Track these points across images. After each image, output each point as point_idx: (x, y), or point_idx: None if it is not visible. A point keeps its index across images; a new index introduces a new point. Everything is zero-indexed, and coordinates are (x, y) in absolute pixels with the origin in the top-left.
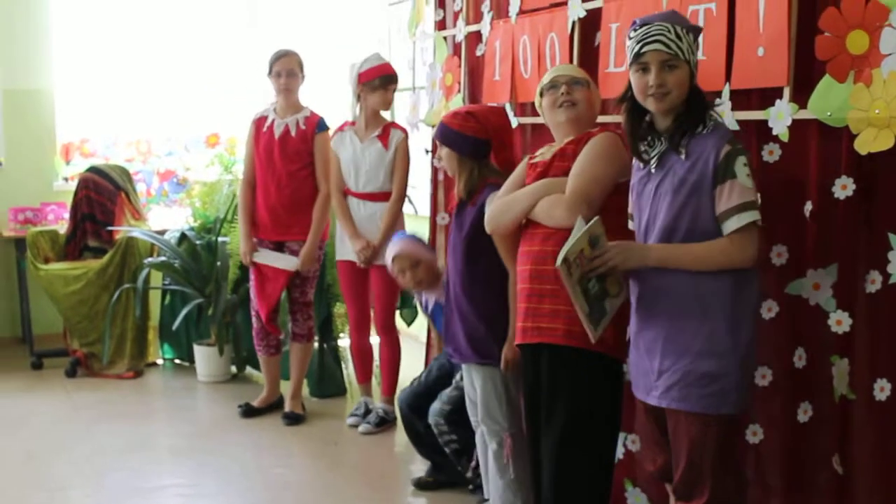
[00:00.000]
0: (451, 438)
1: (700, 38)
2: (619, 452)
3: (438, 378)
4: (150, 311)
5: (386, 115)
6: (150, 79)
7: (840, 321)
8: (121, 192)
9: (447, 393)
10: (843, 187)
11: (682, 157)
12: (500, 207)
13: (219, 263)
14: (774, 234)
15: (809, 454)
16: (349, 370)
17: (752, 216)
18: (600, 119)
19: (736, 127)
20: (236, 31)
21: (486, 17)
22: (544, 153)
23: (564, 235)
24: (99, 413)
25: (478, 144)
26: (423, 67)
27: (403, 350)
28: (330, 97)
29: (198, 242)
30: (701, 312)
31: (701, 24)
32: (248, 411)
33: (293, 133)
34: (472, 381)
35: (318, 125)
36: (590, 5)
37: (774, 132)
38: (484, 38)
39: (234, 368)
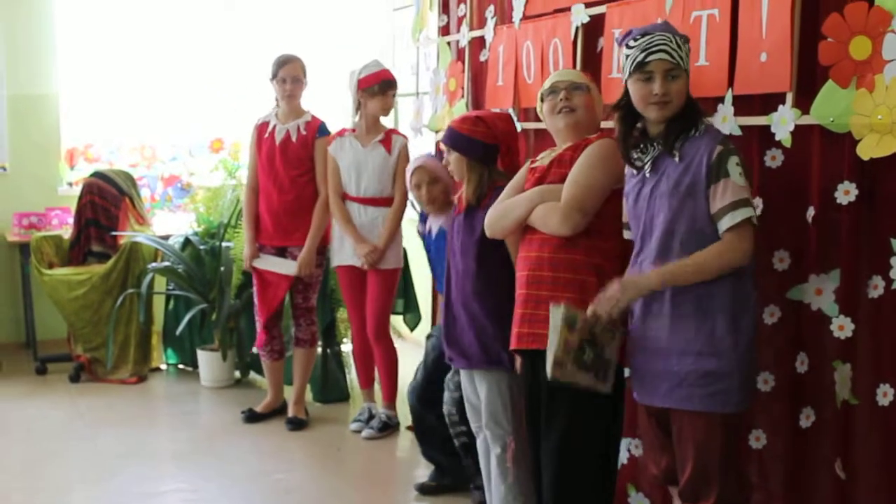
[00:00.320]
0: (462, 430)
1: (702, 44)
2: (623, 457)
3: (437, 359)
4: (153, 316)
5: (387, 121)
6: (155, 84)
7: (842, 326)
8: (125, 197)
9: (452, 380)
10: (846, 193)
11: (676, 159)
12: (498, 212)
13: (222, 268)
14: (777, 240)
15: (812, 459)
16: (352, 375)
17: (746, 213)
18: (605, 124)
19: (738, 132)
20: (241, 37)
21: (490, 23)
22: (544, 158)
23: (560, 242)
24: (102, 418)
25: (487, 149)
26: (427, 72)
27: (407, 355)
28: (334, 103)
29: (202, 247)
30: (701, 312)
31: (704, 29)
32: (252, 417)
33: (294, 138)
34: (475, 387)
35: (319, 130)
36: (593, 11)
37: (777, 137)
38: (487, 44)
39: (237, 373)
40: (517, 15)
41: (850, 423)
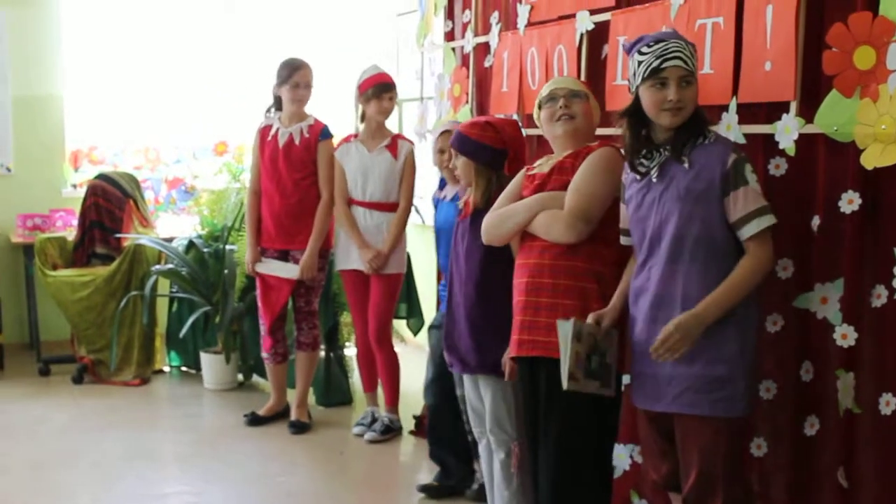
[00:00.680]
0: None
1: (707, 52)
2: (626, 464)
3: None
4: (157, 319)
5: (391, 126)
6: (159, 87)
7: (845, 335)
8: (129, 199)
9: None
10: (850, 202)
11: (685, 165)
12: (496, 219)
13: (226, 271)
14: (781, 248)
15: (814, 468)
16: (355, 379)
17: (770, 220)
18: (606, 132)
19: (743, 140)
20: (246, 41)
21: (495, 29)
22: (542, 165)
23: (561, 249)
24: (105, 420)
25: (495, 154)
26: (432, 78)
27: (411, 359)
28: (338, 108)
29: (205, 250)
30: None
31: (709, 37)
32: (254, 420)
33: (297, 141)
34: (479, 392)
35: (322, 133)
36: (598, 18)
37: (781, 146)
38: (492, 50)
39: (240, 376)
40: (522, 21)
41: (852, 432)
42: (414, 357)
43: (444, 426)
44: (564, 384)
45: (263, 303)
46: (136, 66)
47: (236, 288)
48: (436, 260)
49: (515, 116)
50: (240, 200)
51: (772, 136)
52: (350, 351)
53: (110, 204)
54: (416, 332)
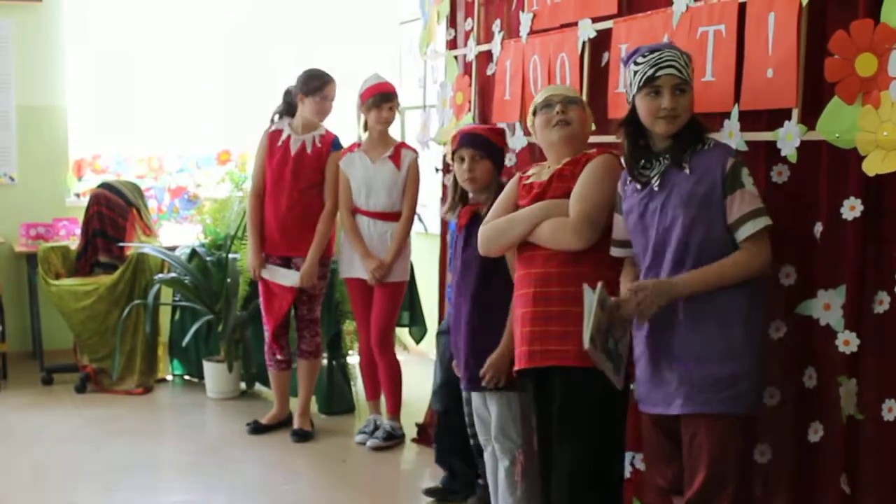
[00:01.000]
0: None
1: (709, 59)
2: (627, 471)
3: (451, 357)
4: (160, 328)
5: (395, 134)
6: (162, 96)
7: (847, 341)
8: (132, 208)
9: None
10: (852, 208)
11: (687, 171)
12: (495, 230)
13: (229, 280)
14: (783, 255)
15: (817, 474)
16: (358, 387)
17: (765, 221)
18: (608, 139)
19: (745, 147)
20: (249, 51)
21: (497, 37)
22: (538, 173)
23: (567, 256)
24: (108, 429)
25: (504, 159)
26: (434, 86)
27: (413, 368)
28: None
29: (208, 259)
30: (718, 319)
31: (710, 45)
32: (257, 429)
33: (309, 150)
34: (484, 401)
35: (333, 144)
36: (600, 26)
37: (783, 153)
38: (495, 58)
39: (243, 385)
40: (524, 29)
41: (855, 439)
42: (416, 365)
43: (452, 431)
44: (585, 344)
45: (266, 309)
46: (140, 75)
47: (239, 296)
48: (449, 262)
49: (518, 124)
50: (242, 209)
51: (774, 143)
52: (353, 359)
53: (113, 213)
54: (418, 341)
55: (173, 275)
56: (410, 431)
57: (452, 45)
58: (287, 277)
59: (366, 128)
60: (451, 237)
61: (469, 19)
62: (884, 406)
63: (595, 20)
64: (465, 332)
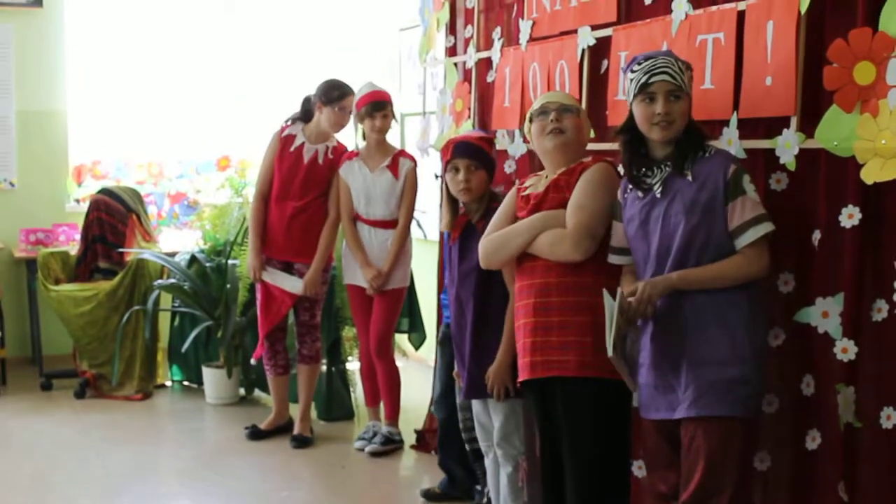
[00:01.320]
0: (474, 436)
1: (708, 67)
2: None
3: (450, 364)
4: (159, 333)
5: (394, 141)
6: (163, 102)
7: (846, 349)
8: (132, 214)
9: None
10: (850, 216)
11: (689, 178)
12: (495, 242)
13: (228, 286)
14: (781, 262)
15: (815, 482)
16: (357, 393)
17: (767, 227)
18: (607, 147)
19: (743, 155)
20: (249, 57)
21: (497, 44)
22: (535, 184)
23: (566, 266)
24: (107, 434)
25: (494, 169)
26: (434, 93)
27: (413, 374)
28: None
29: (208, 265)
30: (721, 323)
31: (709, 53)
32: (255, 433)
33: (321, 160)
34: (487, 408)
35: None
36: (599, 33)
37: (781, 161)
38: (494, 65)
39: (242, 391)
40: (524, 37)
41: (853, 446)
42: (416, 371)
43: (455, 437)
44: (609, 352)
45: (263, 311)
46: (140, 81)
47: (238, 302)
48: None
49: (517, 131)
50: (242, 215)
51: (772, 150)
52: (352, 365)
53: (113, 218)
54: (417, 347)
55: (173, 281)
56: (409, 438)
57: (452, 52)
58: (291, 284)
59: (364, 136)
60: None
61: (469, 26)
62: (882, 414)
63: (594, 28)
64: (467, 341)
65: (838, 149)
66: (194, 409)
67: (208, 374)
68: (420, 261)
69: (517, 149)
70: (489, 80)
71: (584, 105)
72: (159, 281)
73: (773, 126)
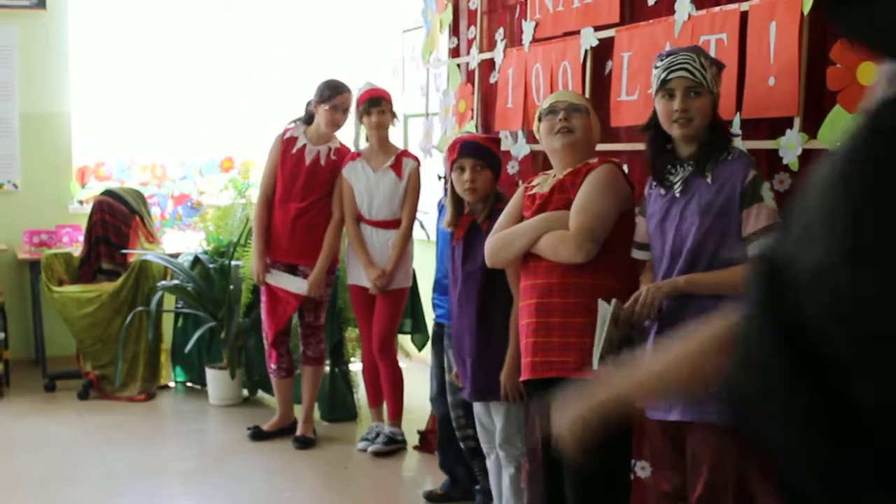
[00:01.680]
0: (469, 434)
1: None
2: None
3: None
4: (162, 334)
5: (397, 142)
6: (166, 103)
7: None
8: (135, 215)
9: (455, 382)
10: None
11: (709, 180)
12: (499, 242)
13: (231, 287)
14: None
15: None
16: (360, 394)
17: None
18: (612, 147)
19: None
20: (252, 59)
21: (500, 45)
22: (541, 184)
23: (568, 267)
24: (111, 435)
25: (500, 169)
26: (437, 94)
27: (414, 375)
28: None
29: (211, 266)
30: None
31: (712, 54)
32: (258, 434)
33: (322, 162)
34: (488, 410)
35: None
36: (602, 34)
37: (785, 161)
38: (497, 66)
39: (245, 392)
40: (527, 38)
41: None
42: (419, 372)
43: (454, 437)
44: (594, 364)
45: (269, 315)
46: (143, 83)
47: (241, 303)
48: (438, 268)
49: (520, 132)
50: (245, 216)
51: (776, 151)
52: (355, 366)
53: (116, 220)
54: (420, 348)
55: (176, 282)
56: (412, 438)
57: (455, 53)
58: (296, 285)
59: (367, 137)
60: (442, 245)
61: (472, 28)
62: None
63: (597, 28)
64: (470, 343)
65: None
66: (197, 410)
67: (211, 375)
68: (422, 262)
69: (520, 150)
70: (492, 81)
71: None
72: (163, 282)
73: (777, 126)
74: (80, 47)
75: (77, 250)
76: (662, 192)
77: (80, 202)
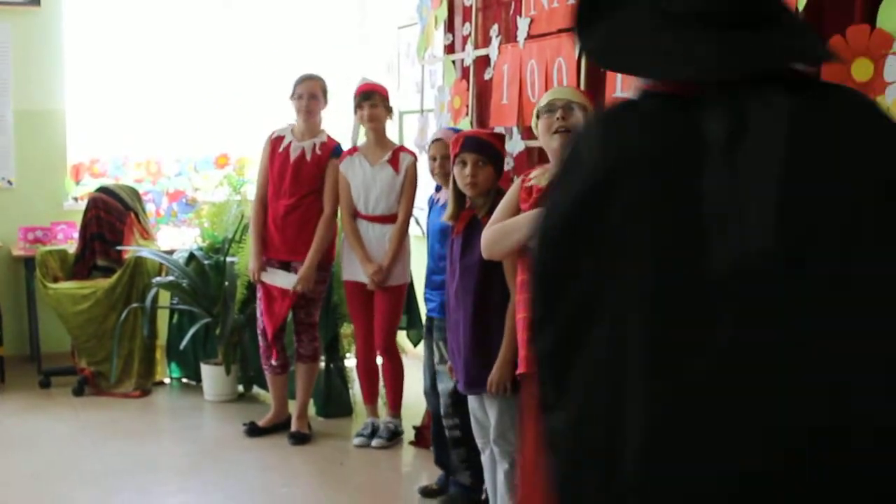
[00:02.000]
0: (454, 423)
1: None
2: None
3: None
4: (157, 331)
5: (394, 139)
6: (161, 100)
7: None
8: (130, 212)
9: (445, 372)
10: None
11: None
12: (496, 234)
13: (227, 283)
14: None
15: None
16: (355, 390)
17: None
18: None
19: None
20: (247, 56)
21: (495, 42)
22: (539, 177)
23: None
24: (106, 432)
25: (504, 166)
26: (432, 90)
27: (411, 371)
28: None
29: (206, 262)
30: None
31: None
32: (253, 430)
33: (308, 157)
34: (482, 403)
35: (334, 151)
36: None
37: None
38: (492, 62)
39: (240, 388)
40: (522, 34)
41: None
42: (414, 368)
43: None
44: None
45: (266, 312)
46: (138, 79)
47: (237, 300)
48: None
49: (515, 129)
50: (240, 213)
51: None
52: (350, 362)
53: (111, 216)
54: (416, 344)
55: (171, 278)
56: (408, 434)
57: (450, 49)
58: (284, 280)
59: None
60: (432, 240)
61: (467, 24)
62: None
63: None
64: (466, 336)
65: None
66: (193, 407)
67: (207, 371)
68: (418, 257)
69: (515, 146)
70: (487, 77)
71: None
72: (158, 278)
73: None
74: (75, 44)
75: (72, 247)
76: None
77: (75, 199)
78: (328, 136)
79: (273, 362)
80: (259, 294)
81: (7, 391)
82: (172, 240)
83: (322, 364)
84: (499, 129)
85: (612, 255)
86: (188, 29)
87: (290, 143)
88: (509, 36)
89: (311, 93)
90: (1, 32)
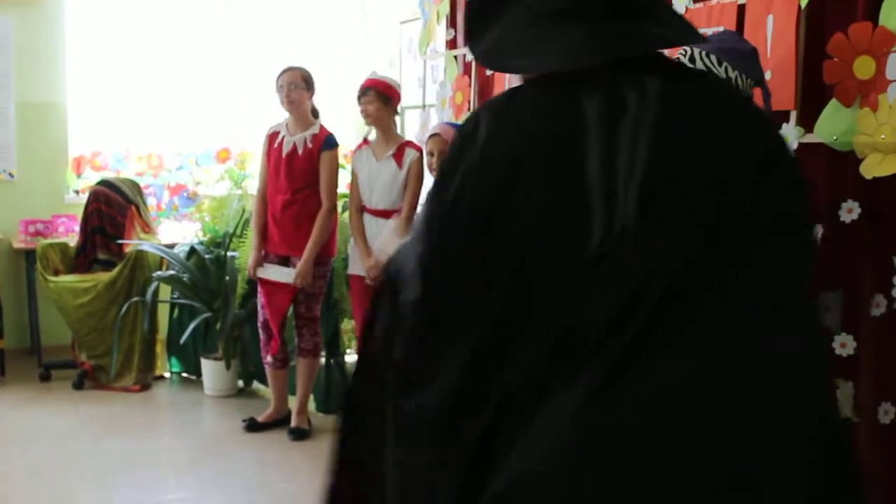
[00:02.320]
0: None
1: None
2: None
3: None
4: (158, 325)
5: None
6: (162, 94)
7: (844, 344)
8: (131, 205)
9: None
10: (849, 211)
11: None
12: None
13: (227, 278)
14: None
15: None
16: None
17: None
18: None
19: None
20: (248, 50)
21: None
22: None
23: None
24: (106, 426)
25: None
26: (434, 85)
27: None
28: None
29: (207, 257)
30: None
31: None
32: (252, 426)
33: (300, 151)
34: None
35: (325, 142)
36: None
37: None
38: None
39: (240, 383)
40: None
41: (851, 441)
42: None
43: None
44: None
45: (269, 307)
46: (140, 73)
47: (237, 294)
48: None
49: None
50: (241, 207)
51: None
52: (351, 357)
53: (112, 210)
54: None
55: (172, 272)
56: None
57: (452, 44)
58: (283, 274)
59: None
60: None
61: None
62: (880, 409)
63: None
64: None
65: (838, 143)
66: (193, 401)
67: (207, 365)
68: None
69: None
70: (489, 73)
71: None
72: (158, 272)
73: (773, 120)
74: (77, 37)
75: (73, 240)
76: None
77: (76, 192)
78: (321, 127)
79: (273, 357)
80: (259, 289)
81: (7, 384)
82: (173, 234)
83: (322, 360)
84: None
85: (519, 234)
86: (190, 23)
87: (284, 137)
88: None
89: (290, 82)
90: (3, 25)
